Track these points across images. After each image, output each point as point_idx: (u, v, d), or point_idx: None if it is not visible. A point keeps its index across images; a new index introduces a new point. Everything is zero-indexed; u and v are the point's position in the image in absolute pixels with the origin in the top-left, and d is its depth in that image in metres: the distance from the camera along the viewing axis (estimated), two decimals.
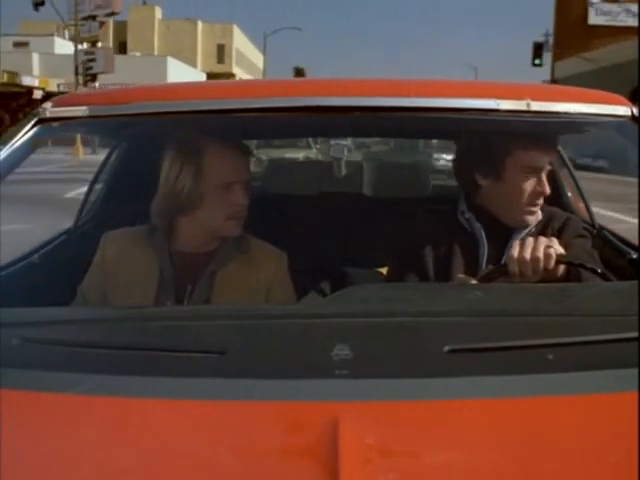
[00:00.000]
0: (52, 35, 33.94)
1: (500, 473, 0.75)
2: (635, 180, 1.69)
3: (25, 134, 1.45)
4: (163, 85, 2.45)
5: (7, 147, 1.41)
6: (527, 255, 1.42)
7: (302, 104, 1.40)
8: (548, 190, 1.60)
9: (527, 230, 1.63)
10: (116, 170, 2.51)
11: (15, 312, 1.12)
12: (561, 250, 1.44)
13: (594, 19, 30.49)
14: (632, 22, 28.12)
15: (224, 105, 1.42)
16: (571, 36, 30.83)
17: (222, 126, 1.62)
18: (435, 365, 0.91)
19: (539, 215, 1.65)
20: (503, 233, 1.62)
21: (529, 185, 1.59)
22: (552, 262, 1.42)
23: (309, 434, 0.77)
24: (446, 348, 0.92)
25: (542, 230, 1.62)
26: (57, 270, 1.91)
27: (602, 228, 2.32)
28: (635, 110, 1.45)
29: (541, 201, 1.61)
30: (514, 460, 0.77)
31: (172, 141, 1.59)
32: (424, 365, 0.91)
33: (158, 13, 38.77)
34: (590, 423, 0.82)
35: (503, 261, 1.49)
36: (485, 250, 1.61)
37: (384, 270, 1.97)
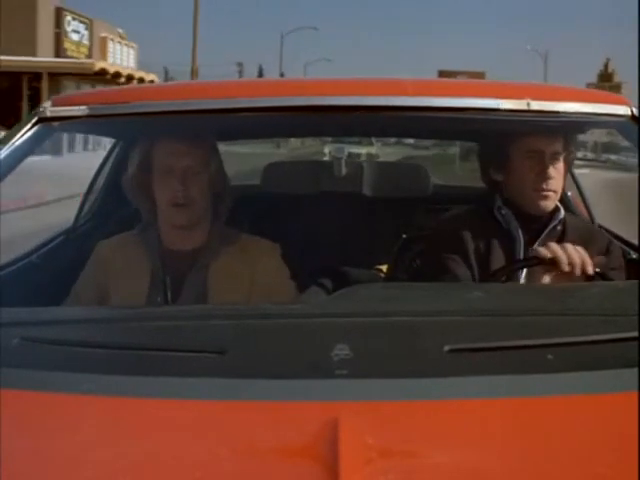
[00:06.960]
0: None
1: (500, 473, 0.75)
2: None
3: (25, 133, 1.44)
4: (163, 84, 2.45)
5: (7, 147, 1.40)
6: (564, 250, 1.45)
7: (304, 103, 1.40)
8: (553, 174, 1.60)
9: (556, 222, 1.65)
10: (115, 170, 2.51)
11: (15, 312, 1.12)
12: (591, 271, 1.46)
13: None
14: None
15: (224, 105, 1.42)
16: None
17: (222, 125, 1.62)
18: (435, 365, 0.91)
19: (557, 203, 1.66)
20: (535, 228, 1.65)
21: (532, 169, 1.61)
22: (589, 269, 1.44)
23: (309, 434, 0.77)
24: (446, 348, 0.92)
25: (581, 246, 1.58)
26: (57, 270, 1.91)
27: (602, 228, 2.31)
28: (635, 110, 1.45)
29: (552, 186, 1.61)
30: (514, 460, 0.76)
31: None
32: (424, 365, 0.91)
33: None
34: (590, 423, 0.82)
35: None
36: (522, 247, 1.63)
37: (383, 268, 1.97)
